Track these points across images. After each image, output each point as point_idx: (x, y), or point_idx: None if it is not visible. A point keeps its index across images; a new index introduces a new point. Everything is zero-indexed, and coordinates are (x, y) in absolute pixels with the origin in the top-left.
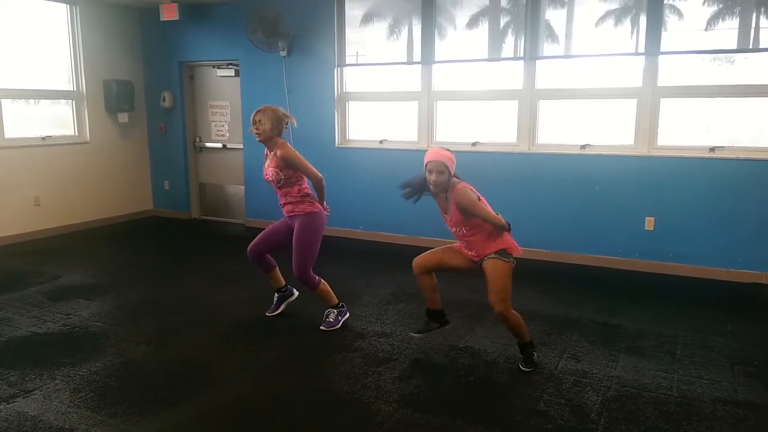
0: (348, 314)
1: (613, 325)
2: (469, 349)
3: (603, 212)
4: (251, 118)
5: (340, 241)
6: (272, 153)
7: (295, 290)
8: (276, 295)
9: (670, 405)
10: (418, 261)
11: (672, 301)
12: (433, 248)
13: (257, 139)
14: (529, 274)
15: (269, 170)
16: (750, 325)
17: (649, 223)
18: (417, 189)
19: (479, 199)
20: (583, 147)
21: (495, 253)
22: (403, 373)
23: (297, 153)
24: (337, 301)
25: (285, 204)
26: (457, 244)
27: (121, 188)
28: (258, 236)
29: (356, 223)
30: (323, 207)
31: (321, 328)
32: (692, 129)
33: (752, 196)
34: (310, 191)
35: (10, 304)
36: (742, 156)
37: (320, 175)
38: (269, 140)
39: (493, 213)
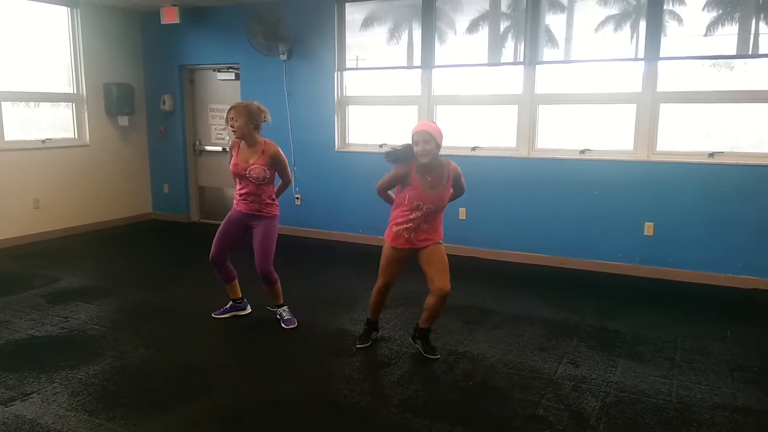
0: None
1: (613, 331)
2: (468, 354)
3: (602, 217)
4: (224, 117)
5: (339, 244)
6: (256, 150)
7: (249, 307)
8: (230, 303)
9: (669, 411)
10: (389, 276)
11: (671, 306)
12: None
13: (235, 136)
14: (529, 279)
15: (254, 167)
16: (749, 331)
17: (649, 228)
18: (401, 155)
19: None
20: (582, 152)
21: (440, 240)
22: (402, 377)
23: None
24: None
25: (251, 201)
26: (398, 241)
27: (120, 191)
28: (216, 241)
29: (355, 226)
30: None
31: (289, 327)
32: (691, 134)
33: (751, 201)
34: (274, 193)
35: (8, 306)
36: (742, 162)
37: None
38: (247, 135)
39: None
